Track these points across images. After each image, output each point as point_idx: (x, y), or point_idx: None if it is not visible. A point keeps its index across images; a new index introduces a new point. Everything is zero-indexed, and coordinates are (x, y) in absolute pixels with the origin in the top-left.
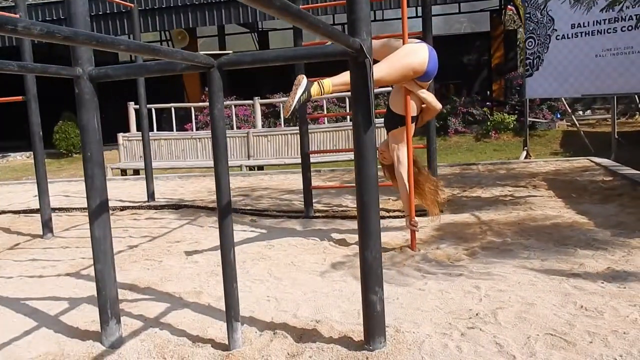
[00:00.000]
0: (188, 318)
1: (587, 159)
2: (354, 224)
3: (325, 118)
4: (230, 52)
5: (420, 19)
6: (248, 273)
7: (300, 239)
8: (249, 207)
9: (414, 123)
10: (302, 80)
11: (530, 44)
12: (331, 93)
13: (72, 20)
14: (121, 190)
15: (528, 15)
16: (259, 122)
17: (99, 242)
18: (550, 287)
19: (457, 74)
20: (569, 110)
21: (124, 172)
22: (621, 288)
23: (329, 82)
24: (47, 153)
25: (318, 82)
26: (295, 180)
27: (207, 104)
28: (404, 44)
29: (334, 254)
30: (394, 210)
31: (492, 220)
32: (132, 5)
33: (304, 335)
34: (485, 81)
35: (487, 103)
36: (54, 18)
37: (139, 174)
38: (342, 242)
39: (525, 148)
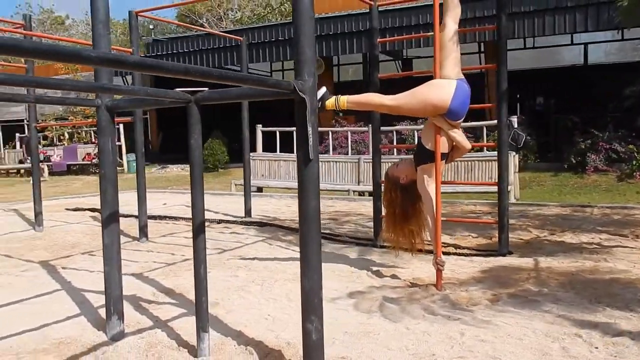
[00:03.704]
0: (190, 324)
1: None
2: (413, 259)
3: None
4: (206, 89)
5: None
6: (270, 292)
7: (343, 266)
8: (328, 231)
9: (443, 160)
10: (321, 90)
11: None
12: (346, 109)
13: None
14: (236, 205)
15: None
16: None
17: (108, 248)
18: (536, 345)
19: (615, 105)
20: None
21: None
22: (613, 356)
23: (344, 99)
24: None
25: (336, 97)
26: None
27: (328, 128)
28: (434, 78)
29: (361, 283)
30: (464, 247)
31: (549, 268)
32: (242, 39)
33: (269, 355)
34: None
35: None
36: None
37: (261, 192)
38: (378, 274)
39: None
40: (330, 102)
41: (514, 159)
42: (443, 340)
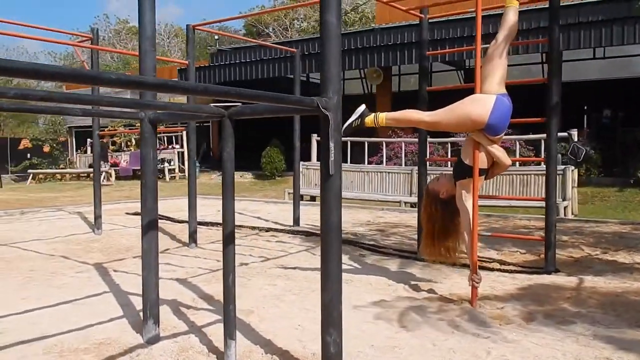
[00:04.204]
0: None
1: None
2: (454, 273)
3: None
4: (239, 103)
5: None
6: (305, 302)
7: (381, 278)
8: (372, 242)
9: (482, 176)
10: (360, 107)
11: None
12: (385, 126)
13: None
14: (287, 213)
15: None
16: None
17: (146, 253)
18: None
19: None
20: None
21: (300, 197)
22: None
23: (383, 116)
24: (256, 174)
25: (375, 114)
26: None
27: (382, 139)
28: (475, 92)
29: (395, 296)
30: (510, 264)
31: (592, 288)
32: (295, 50)
33: None
34: None
35: None
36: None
37: (314, 201)
38: (415, 287)
39: None
40: (370, 119)
41: (572, 174)
42: (468, 358)
